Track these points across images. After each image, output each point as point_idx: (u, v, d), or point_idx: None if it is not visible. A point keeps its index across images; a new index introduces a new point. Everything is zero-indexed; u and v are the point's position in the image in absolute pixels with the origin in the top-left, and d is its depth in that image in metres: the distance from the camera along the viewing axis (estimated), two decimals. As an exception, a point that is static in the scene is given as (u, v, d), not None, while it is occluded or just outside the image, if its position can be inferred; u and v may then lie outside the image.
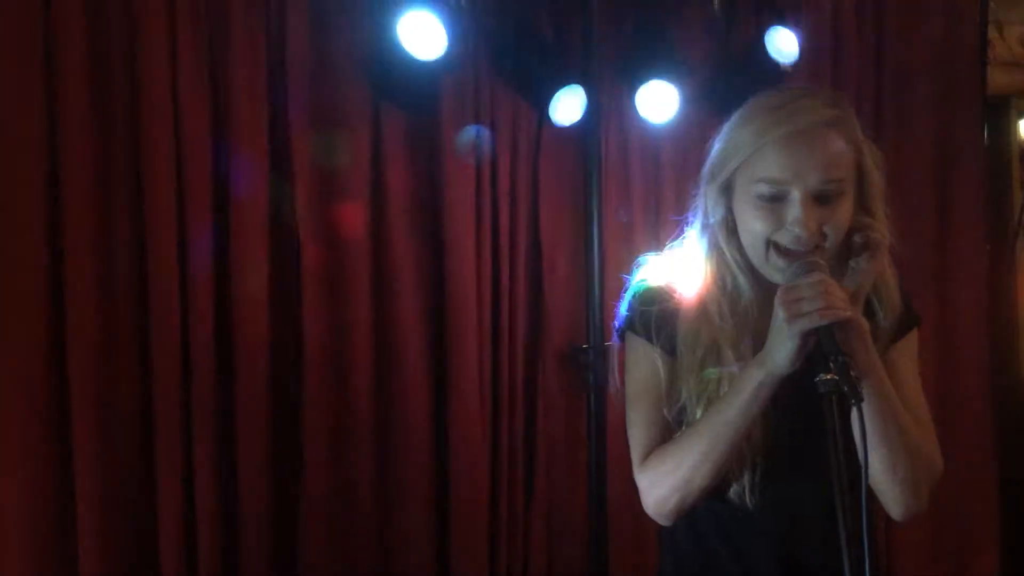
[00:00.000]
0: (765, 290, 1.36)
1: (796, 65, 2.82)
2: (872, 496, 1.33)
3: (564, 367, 2.89)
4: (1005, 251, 3.27)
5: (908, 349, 1.45)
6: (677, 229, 2.92)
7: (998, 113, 3.32)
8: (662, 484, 1.39)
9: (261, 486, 2.60)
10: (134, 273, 2.49)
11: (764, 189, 1.31)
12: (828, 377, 1.17)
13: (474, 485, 2.80)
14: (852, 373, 1.17)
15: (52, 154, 2.41)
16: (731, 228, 1.39)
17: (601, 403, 2.72)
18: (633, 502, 2.72)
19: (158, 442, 2.49)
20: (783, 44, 2.80)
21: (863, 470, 1.16)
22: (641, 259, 1.52)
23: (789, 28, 2.81)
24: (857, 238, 1.33)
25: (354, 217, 2.71)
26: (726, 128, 1.38)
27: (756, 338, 1.34)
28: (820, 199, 1.29)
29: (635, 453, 1.44)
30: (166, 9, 2.49)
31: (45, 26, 2.38)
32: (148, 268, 2.49)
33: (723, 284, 1.40)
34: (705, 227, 1.42)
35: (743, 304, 1.39)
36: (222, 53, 2.55)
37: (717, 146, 1.39)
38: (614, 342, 1.51)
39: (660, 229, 2.99)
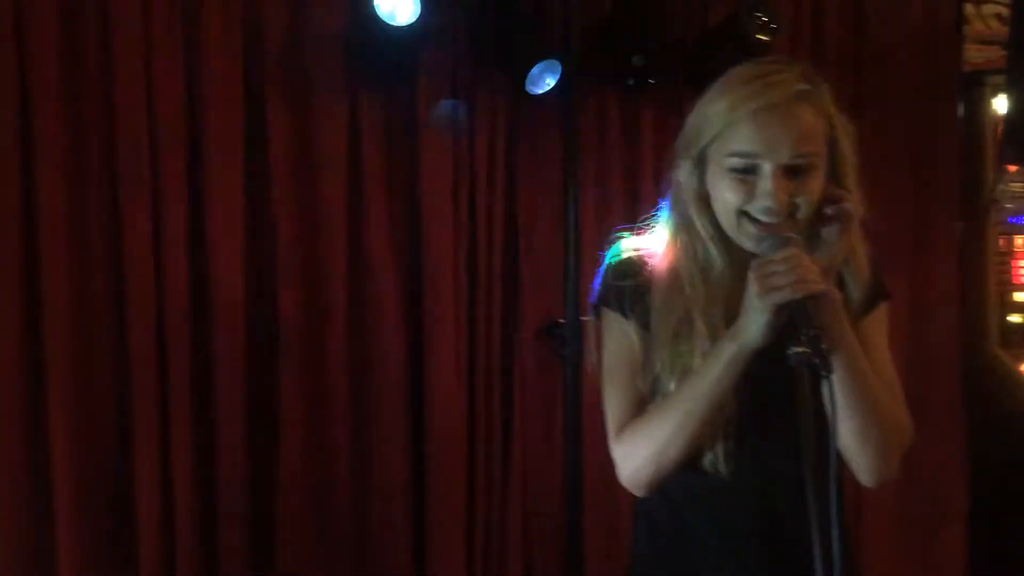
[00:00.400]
0: (737, 260, 1.37)
1: (776, 39, 2.81)
2: (841, 463, 1.36)
3: (540, 341, 2.90)
4: (977, 226, 3.30)
5: (878, 321, 1.46)
6: (654, 203, 2.97)
7: (973, 89, 3.33)
8: (636, 455, 1.40)
9: (239, 461, 2.61)
10: (109, 251, 2.49)
11: (736, 162, 1.32)
12: (799, 350, 1.19)
13: (451, 457, 2.82)
14: (823, 346, 1.18)
15: (24, 132, 2.39)
16: (703, 199, 1.40)
17: (577, 377, 2.74)
18: (608, 473, 2.76)
19: (136, 424, 2.50)
20: (762, 20, 2.79)
21: (831, 439, 1.18)
22: (616, 233, 1.52)
23: (768, 2, 2.80)
24: (828, 210, 1.35)
25: (330, 191, 2.71)
26: (700, 102, 1.39)
27: (728, 307, 1.36)
28: (791, 172, 1.30)
29: (610, 426, 1.46)
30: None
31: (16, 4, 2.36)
32: (123, 244, 2.48)
33: (695, 254, 1.41)
34: (678, 199, 1.43)
35: (715, 274, 1.40)
36: (195, 25, 2.53)
37: (691, 119, 1.40)
38: (590, 317, 1.52)
39: (638, 203, 2.99)
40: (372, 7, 2.48)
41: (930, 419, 3.07)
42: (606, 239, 2.87)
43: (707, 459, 1.40)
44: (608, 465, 2.70)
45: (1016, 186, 3.32)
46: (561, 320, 2.78)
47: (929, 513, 3.32)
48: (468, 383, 2.86)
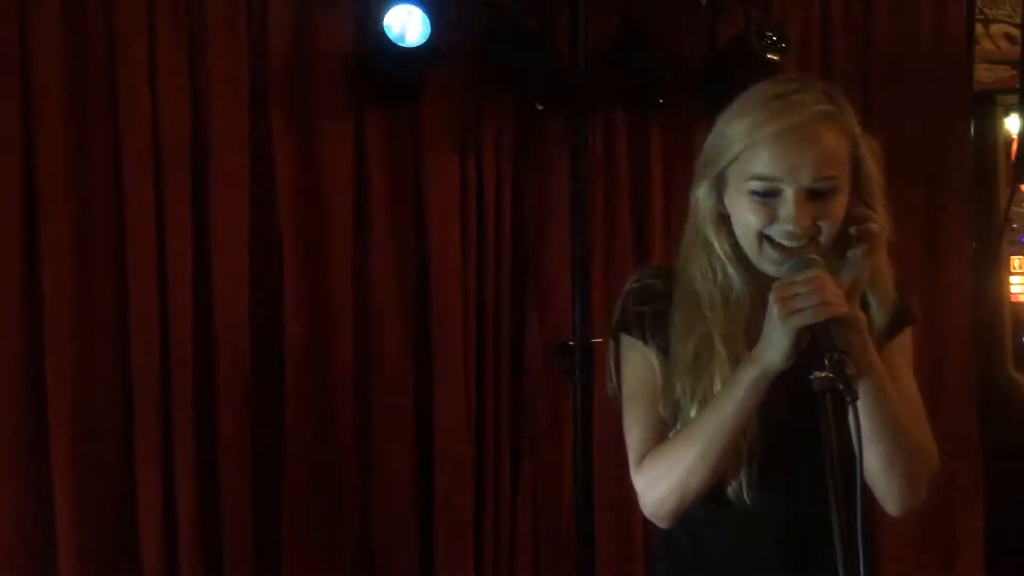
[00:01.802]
0: (758, 282, 1.34)
1: (784, 59, 2.79)
2: (867, 490, 1.32)
3: (549, 363, 2.87)
4: (991, 247, 3.27)
5: (903, 346, 1.43)
6: (665, 224, 2.94)
7: (984, 109, 3.31)
8: (659, 485, 1.36)
9: (243, 485, 2.58)
10: (112, 270, 2.48)
11: (757, 185, 1.29)
12: (823, 375, 1.15)
13: (460, 481, 2.78)
14: (847, 371, 1.15)
15: (28, 160, 2.39)
16: (723, 220, 1.37)
17: (587, 398, 2.70)
18: (618, 495, 2.74)
19: (138, 447, 2.48)
20: (771, 39, 2.78)
21: (858, 466, 1.14)
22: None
23: (777, 21, 2.79)
24: (853, 230, 1.31)
25: (336, 210, 2.69)
26: (720, 121, 1.36)
27: (749, 330, 1.33)
28: (814, 195, 1.27)
29: (632, 455, 1.42)
30: (145, 3, 2.46)
31: (21, 27, 2.35)
32: (126, 263, 2.47)
33: (714, 276, 1.38)
34: (697, 219, 1.40)
35: (735, 296, 1.37)
36: (201, 46, 2.53)
37: (710, 139, 1.37)
38: (610, 342, 1.49)
39: (647, 223, 2.97)
40: (380, 26, 2.47)
41: (946, 442, 3.01)
42: (616, 258, 2.88)
43: (731, 488, 1.36)
44: (619, 487, 2.69)
45: (1029, 206, 3.30)
46: (570, 341, 2.75)
47: (946, 536, 3.28)
48: (476, 404, 2.83)
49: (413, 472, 2.77)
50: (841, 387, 1.14)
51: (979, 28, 3.54)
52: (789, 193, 1.27)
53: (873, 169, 1.33)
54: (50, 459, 2.40)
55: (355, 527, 2.72)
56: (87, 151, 2.45)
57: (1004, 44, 3.64)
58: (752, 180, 1.29)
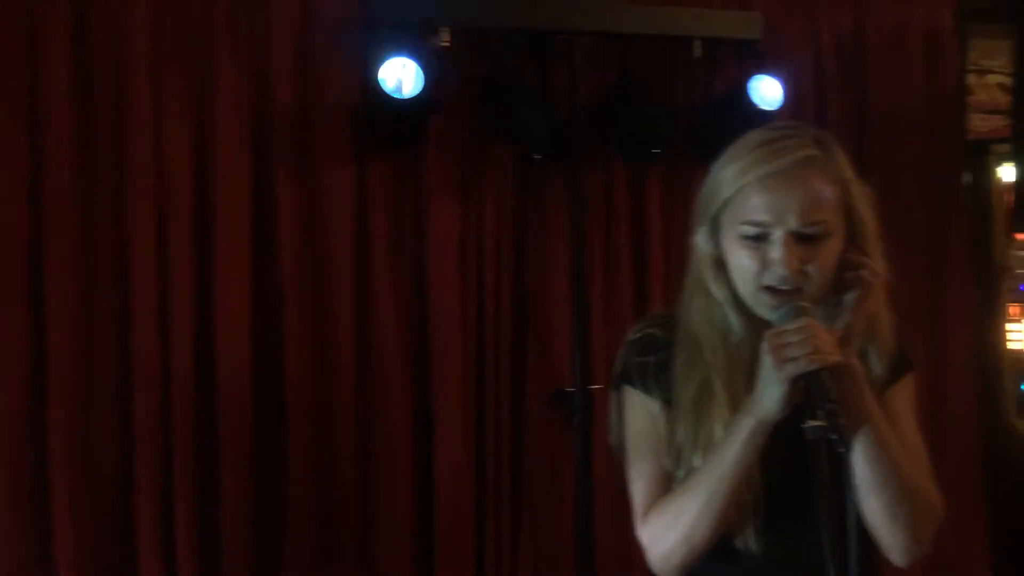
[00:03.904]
0: (757, 326, 1.34)
1: (779, 111, 2.83)
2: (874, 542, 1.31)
3: (549, 410, 2.86)
4: (989, 295, 3.27)
5: (904, 393, 1.42)
6: (665, 271, 2.95)
7: (979, 158, 3.34)
8: (665, 539, 1.35)
9: (246, 532, 2.58)
10: (115, 315, 2.51)
11: (747, 230, 1.30)
12: (816, 424, 1.16)
13: (460, 527, 2.77)
14: (840, 420, 1.15)
15: (35, 215, 2.43)
16: (720, 265, 1.37)
17: (587, 445, 2.69)
18: (619, 543, 2.71)
19: (138, 495, 2.48)
20: (766, 91, 2.82)
21: (852, 515, 1.15)
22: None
23: (771, 75, 2.84)
24: (848, 276, 1.32)
25: (337, 258, 2.71)
26: (713, 168, 1.38)
27: (749, 375, 1.32)
28: (802, 239, 1.28)
29: (637, 509, 1.40)
30: (151, 54, 2.52)
31: (32, 76, 2.41)
32: (130, 310, 2.49)
33: (713, 321, 1.38)
34: (696, 265, 1.41)
35: (734, 341, 1.37)
36: (207, 99, 2.57)
37: (705, 185, 1.39)
38: (612, 393, 1.48)
39: (646, 272, 2.99)
40: (376, 80, 2.51)
41: (949, 490, 3.00)
42: (616, 306, 2.88)
43: (738, 540, 1.34)
44: (619, 535, 2.66)
45: (1026, 253, 3.31)
46: (570, 388, 2.75)
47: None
48: (477, 452, 2.82)
49: (413, 520, 2.75)
50: (833, 436, 1.14)
51: (974, 78, 3.58)
52: (777, 236, 1.27)
53: (867, 215, 1.33)
54: (50, 498, 2.40)
55: (355, 566, 2.69)
56: (92, 203, 2.50)
57: (998, 94, 3.69)
58: (742, 225, 1.30)
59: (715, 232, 1.37)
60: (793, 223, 1.27)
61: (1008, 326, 3.26)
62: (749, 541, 1.34)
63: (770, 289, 1.29)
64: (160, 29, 2.53)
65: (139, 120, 2.50)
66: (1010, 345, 3.25)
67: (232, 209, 2.60)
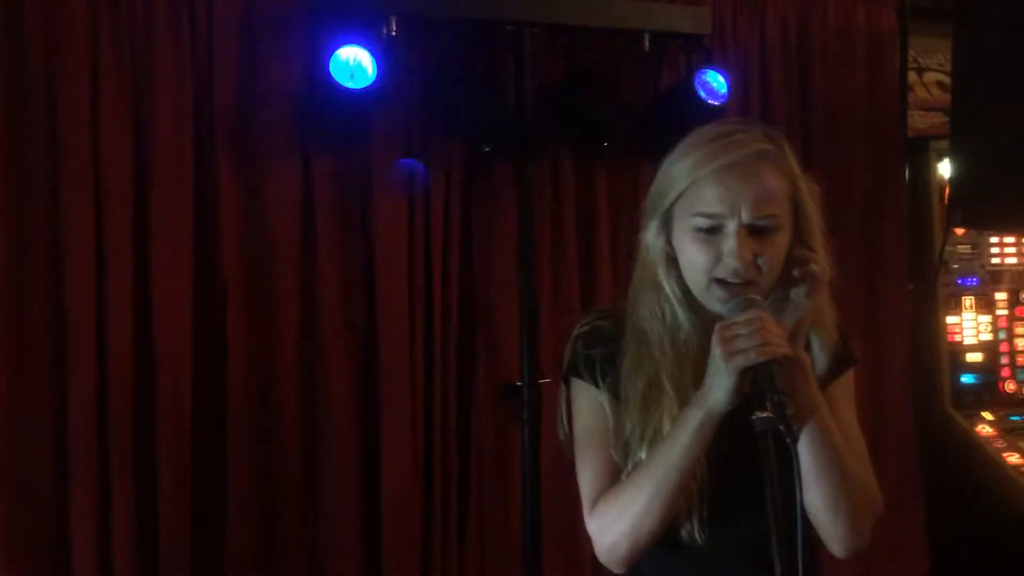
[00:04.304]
0: (706, 323, 1.35)
1: (725, 106, 2.86)
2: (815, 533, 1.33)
3: (497, 405, 2.86)
4: (927, 287, 3.35)
5: (846, 387, 1.45)
6: (612, 265, 2.96)
7: (918, 154, 3.41)
8: (612, 530, 1.36)
9: (184, 535, 2.53)
10: (51, 315, 2.43)
11: (700, 222, 1.31)
12: (764, 416, 1.17)
13: (406, 523, 2.74)
14: (788, 412, 1.16)
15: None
16: (671, 261, 1.38)
17: (535, 440, 2.69)
18: (567, 538, 2.72)
19: (74, 498, 2.41)
20: (712, 85, 2.84)
21: (799, 506, 1.15)
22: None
23: (718, 70, 2.86)
24: (796, 272, 1.33)
25: (282, 253, 2.66)
26: (665, 162, 1.38)
27: (697, 370, 1.34)
28: (755, 232, 1.29)
29: (585, 500, 1.41)
30: (87, 38, 2.44)
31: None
32: (65, 309, 2.43)
33: (663, 317, 1.39)
34: (645, 260, 1.41)
35: (683, 336, 1.38)
36: (147, 91, 2.50)
37: (656, 179, 1.39)
38: (560, 387, 1.48)
39: (593, 264, 2.99)
40: (326, 69, 2.47)
41: (886, 482, 3.05)
42: (564, 299, 2.88)
43: (684, 531, 1.35)
44: (567, 530, 2.67)
45: (963, 248, 3.39)
46: (518, 383, 2.74)
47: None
48: (424, 447, 2.80)
49: (360, 515, 2.72)
50: (781, 428, 1.15)
51: (913, 76, 3.66)
52: (731, 228, 1.29)
53: (813, 210, 1.36)
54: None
55: (300, 568, 2.65)
56: (26, 191, 2.41)
57: (937, 92, 3.78)
58: (696, 217, 1.31)
59: (666, 226, 1.38)
60: (746, 215, 1.28)
61: (947, 319, 3.33)
62: (695, 532, 1.35)
63: (721, 282, 1.30)
64: (96, 14, 2.45)
65: (74, 114, 2.42)
66: (949, 338, 3.33)
67: (173, 205, 2.54)
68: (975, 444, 3.17)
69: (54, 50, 2.41)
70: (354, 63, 2.49)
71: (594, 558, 1.42)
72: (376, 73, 2.50)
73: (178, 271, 2.54)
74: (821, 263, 1.34)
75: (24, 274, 2.41)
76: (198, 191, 2.58)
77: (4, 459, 2.35)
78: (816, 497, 1.29)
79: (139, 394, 2.49)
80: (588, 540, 1.42)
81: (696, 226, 1.31)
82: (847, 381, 1.45)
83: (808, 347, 1.39)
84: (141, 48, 2.50)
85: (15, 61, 2.40)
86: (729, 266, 1.29)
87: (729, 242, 1.29)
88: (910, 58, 3.53)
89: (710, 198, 1.30)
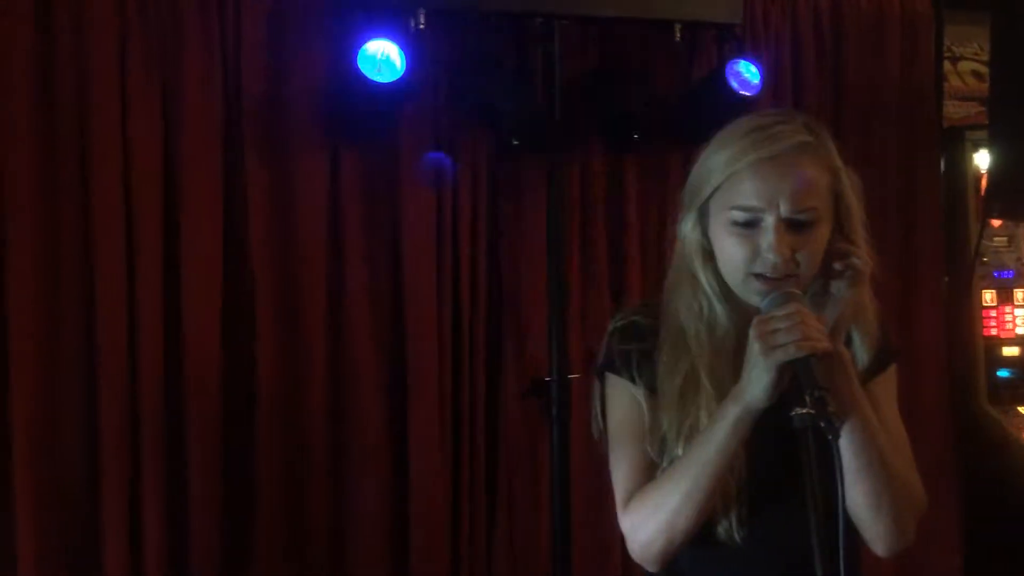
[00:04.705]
0: (744, 317, 1.32)
1: (757, 97, 2.82)
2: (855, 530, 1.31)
3: (526, 400, 2.84)
4: (962, 281, 3.29)
5: (889, 382, 1.42)
6: (642, 259, 2.93)
7: (954, 145, 3.35)
8: (646, 527, 1.33)
9: (213, 524, 2.53)
10: (81, 311, 2.45)
11: (737, 215, 1.28)
12: (803, 412, 1.14)
13: (435, 520, 2.74)
14: (829, 408, 1.13)
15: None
16: (707, 254, 1.35)
17: (564, 436, 2.67)
18: (596, 535, 2.70)
19: (104, 495, 2.43)
20: (745, 75, 2.80)
21: (840, 505, 1.13)
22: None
23: (750, 60, 2.82)
24: (837, 265, 1.30)
25: (310, 248, 2.66)
26: (702, 154, 1.35)
27: (735, 366, 1.31)
28: (793, 226, 1.27)
29: (618, 496, 1.39)
30: (117, 34, 2.45)
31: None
32: (96, 305, 2.44)
33: (700, 311, 1.37)
34: (682, 253, 1.39)
35: (720, 331, 1.36)
36: (175, 85, 2.51)
37: (693, 172, 1.37)
38: (595, 383, 1.46)
39: (623, 258, 2.96)
40: (354, 63, 2.46)
41: (922, 477, 3.02)
42: (593, 294, 2.85)
43: (721, 528, 1.33)
44: (597, 527, 2.65)
45: (999, 240, 3.33)
46: (547, 378, 2.72)
47: (924, 572, 3.25)
48: (452, 443, 2.79)
49: (387, 512, 2.72)
50: (822, 424, 1.13)
51: (948, 65, 3.60)
52: (769, 222, 1.26)
53: (854, 203, 1.33)
54: (15, 508, 2.36)
55: (327, 566, 2.66)
56: (56, 195, 2.43)
57: (972, 81, 3.71)
58: (733, 210, 1.28)
59: (703, 220, 1.35)
60: (785, 209, 1.26)
61: (983, 313, 3.28)
62: (732, 530, 1.33)
63: (760, 276, 1.27)
64: (126, 12, 2.46)
65: (104, 107, 2.43)
66: (985, 331, 3.27)
67: (202, 200, 2.55)
68: (1011, 439, 3.12)
69: (83, 47, 2.42)
70: (382, 56, 2.48)
71: (625, 558, 1.40)
72: (404, 66, 2.49)
73: (207, 266, 2.55)
74: (863, 256, 1.31)
75: (55, 272, 2.42)
76: (227, 186, 2.58)
77: (35, 457, 2.37)
78: (857, 495, 1.27)
79: (168, 390, 2.50)
80: (618, 540, 1.40)
81: (733, 220, 1.29)
82: (889, 377, 1.42)
83: (849, 342, 1.36)
84: (170, 44, 2.51)
85: (45, 60, 2.41)
86: (767, 261, 1.26)
87: (767, 236, 1.26)
88: (945, 47, 3.47)
89: (748, 191, 1.27)
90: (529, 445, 2.85)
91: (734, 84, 2.77)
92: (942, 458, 3.26)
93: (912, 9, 3.30)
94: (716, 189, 1.31)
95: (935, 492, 3.16)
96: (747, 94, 2.79)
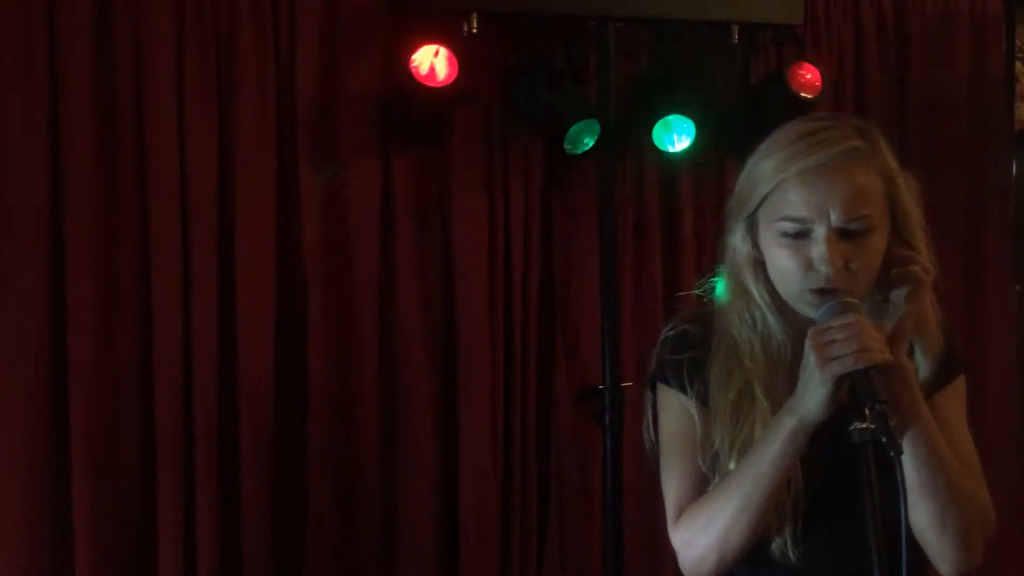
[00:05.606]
0: (798, 328, 1.28)
1: (819, 100, 2.74)
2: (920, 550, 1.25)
3: (577, 407, 2.80)
4: (1034, 290, 3.17)
5: (954, 396, 1.36)
6: (696, 266, 2.88)
7: (1023, 147, 3.24)
8: (697, 543, 1.30)
9: (265, 532, 2.54)
10: (137, 317, 2.48)
11: (787, 227, 1.24)
12: (863, 426, 1.09)
13: (485, 530, 2.71)
14: (890, 422, 1.08)
15: (57, 208, 2.41)
16: (759, 265, 1.31)
17: (616, 445, 2.63)
18: (649, 547, 2.65)
19: (160, 497, 2.45)
20: (805, 78, 2.73)
21: (903, 523, 1.08)
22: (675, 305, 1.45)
23: (811, 62, 2.75)
24: (895, 273, 1.25)
25: (362, 253, 2.66)
26: (749, 163, 1.31)
27: (791, 379, 1.26)
28: (846, 235, 1.22)
29: (669, 511, 1.36)
30: (174, 42, 2.49)
31: (52, 78, 2.37)
32: (152, 312, 2.47)
33: (753, 323, 1.32)
34: (732, 264, 1.34)
35: (775, 343, 1.31)
36: (230, 90, 2.53)
37: (740, 181, 1.32)
38: (646, 392, 1.43)
39: (677, 266, 2.91)
40: (407, 67, 2.46)
41: (992, 496, 2.91)
42: (646, 301, 2.80)
43: (775, 546, 1.28)
44: (649, 537, 2.60)
45: (1074, 247, 3.20)
46: (599, 385, 2.68)
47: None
48: (503, 451, 2.76)
49: (437, 516, 2.70)
50: (883, 439, 1.08)
51: (1018, 66, 3.47)
52: (820, 234, 1.21)
53: (912, 207, 1.27)
54: (72, 510, 2.39)
55: (378, 569, 2.65)
56: (114, 199, 2.47)
57: (1044, 83, 3.58)
58: (781, 222, 1.24)
59: (752, 230, 1.30)
60: (836, 219, 1.20)
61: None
62: (787, 548, 1.28)
63: (814, 291, 1.22)
64: (182, 19, 2.49)
65: (161, 112, 2.46)
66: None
67: (256, 205, 2.56)
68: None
69: (141, 55, 2.46)
70: (434, 61, 2.47)
71: (677, 570, 1.36)
72: (456, 71, 2.48)
73: (261, 269, 2.56)
74: (923, 263, 1.25)
75: (113, 279, 2.46)
76: (280, 190, 2.60)
77: (92, 464, 2.40)
78: (922, 512, 1.22)
79: (222, 388, 2.52)
80: (670, 552, 1.36)
81: (782, 231, 1.24)
82: (956, 390, 1.36)
83: (911, 353, 1.30)
84: (225, 50, 2.53)
85: (105, 67, 2.45)
86: (819, 274, 1.21)
87: (818, 248, 1.21)
88: (1016, 47, 3.35)
89: (796, 201, 1.22)
90: (580, 453, 2.82)
91: (794, 87, 2.70)
92: (1012, 474, 3.13)
93: (982, 8, 3.19)
94: (764, 199, 1.27)
95: (1006, 511, 3.07)
96: (808, 96, 2.72)
